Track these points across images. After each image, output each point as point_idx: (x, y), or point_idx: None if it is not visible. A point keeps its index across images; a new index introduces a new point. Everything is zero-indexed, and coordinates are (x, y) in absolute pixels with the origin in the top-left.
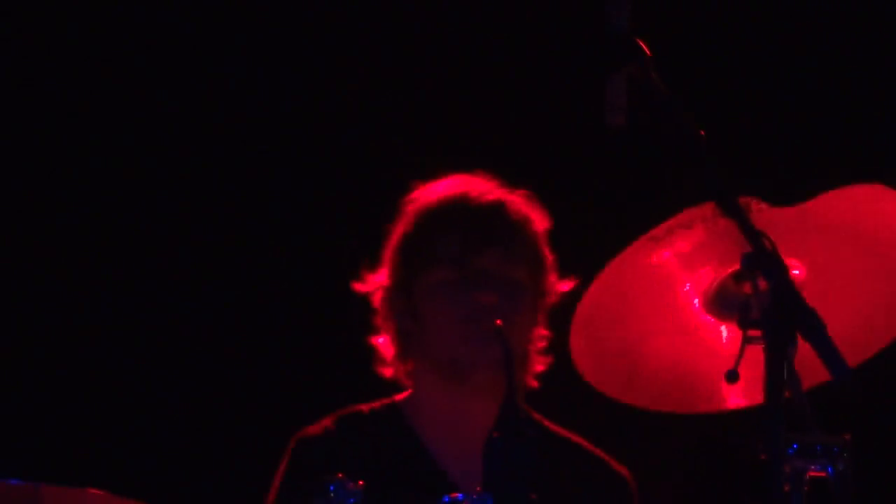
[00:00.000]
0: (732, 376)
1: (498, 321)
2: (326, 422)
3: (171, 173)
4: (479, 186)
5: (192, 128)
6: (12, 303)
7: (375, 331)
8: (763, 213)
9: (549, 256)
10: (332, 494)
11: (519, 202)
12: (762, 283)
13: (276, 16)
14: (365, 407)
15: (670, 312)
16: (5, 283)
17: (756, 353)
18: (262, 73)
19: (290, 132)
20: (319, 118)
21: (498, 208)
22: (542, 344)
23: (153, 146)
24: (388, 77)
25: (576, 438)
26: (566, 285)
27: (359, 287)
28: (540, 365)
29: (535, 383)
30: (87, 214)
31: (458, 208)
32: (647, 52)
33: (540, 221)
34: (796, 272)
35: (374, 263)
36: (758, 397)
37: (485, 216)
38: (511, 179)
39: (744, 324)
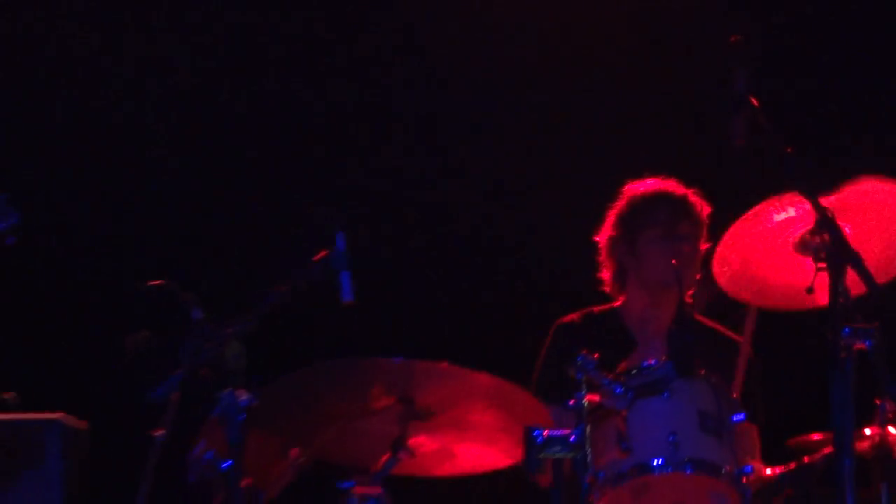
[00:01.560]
0: (810, 290)
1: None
2: (574, 315)
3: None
4: (672, 183)
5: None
6: None
7: (599, 267)
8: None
9: (706, 229)
10: (579, 362)
11: (696, 194)
12: (826, 237)
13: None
14: (597, 308)
15: (772, 251)
16: None
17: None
18: None
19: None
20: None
21: (688, 197)
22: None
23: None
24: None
25: (720, 328)
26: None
27: (595, 238)
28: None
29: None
30: None
31: (666, 194)
32: (757, 103)
33: (706, 206)
34: (847, 230)
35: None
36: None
37: (682, 201)
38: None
39: (816, 259)
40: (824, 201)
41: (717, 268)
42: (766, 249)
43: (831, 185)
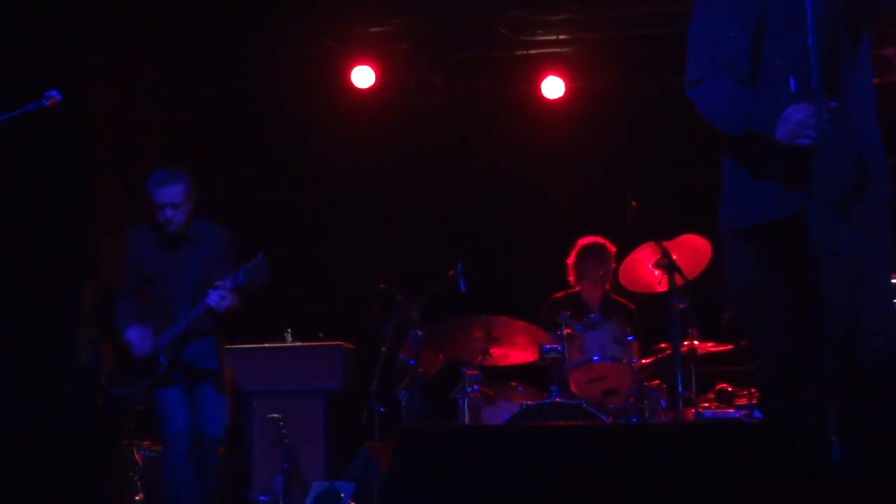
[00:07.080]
0: (660, 282)
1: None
2: (560, 293)
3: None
4: (597, 238)
5: None
6: None
7: (569, 273)
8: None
9: (614, 259)
10: (562, 317)
11: (608, 244)
12: (665, 260)
13: None
14: (570, 290)
15: (645, 268)
16: None
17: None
18: None
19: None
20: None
21: (604, 245)
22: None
23: None
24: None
25: (621, 299)
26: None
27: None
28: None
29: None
30: None
31: (594, 244)
32: (635, 204)
33: (612, 249)
34: (675, 257)
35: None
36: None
37: (601, 248)
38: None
39: (662, 269)
40: (667, 244)
41: (621, 275)
42: (641, 266)
43: (670, 236)
